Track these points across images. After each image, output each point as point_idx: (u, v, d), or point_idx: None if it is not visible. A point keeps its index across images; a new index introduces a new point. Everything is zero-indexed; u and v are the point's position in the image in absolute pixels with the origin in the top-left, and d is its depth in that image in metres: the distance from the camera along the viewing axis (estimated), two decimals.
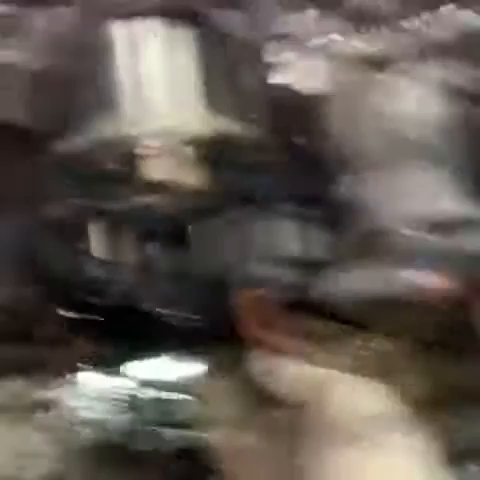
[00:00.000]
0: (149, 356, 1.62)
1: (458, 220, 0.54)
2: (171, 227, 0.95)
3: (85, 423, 1.57)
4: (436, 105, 0.55)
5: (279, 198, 0.95)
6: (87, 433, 1.55)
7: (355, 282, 0.54)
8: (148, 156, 0.50)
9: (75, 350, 1.58)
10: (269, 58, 0.55)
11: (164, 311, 1.56)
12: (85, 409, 1.58)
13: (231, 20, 0.52)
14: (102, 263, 0.95)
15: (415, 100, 0.56)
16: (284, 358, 0.77)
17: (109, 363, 1.60)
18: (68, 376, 1.58)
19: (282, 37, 0.56)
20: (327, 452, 0.66)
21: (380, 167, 0.55)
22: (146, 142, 0.49)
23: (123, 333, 1.58)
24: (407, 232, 0.53)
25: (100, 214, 0.82)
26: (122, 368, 1.62)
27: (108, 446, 1.43)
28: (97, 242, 0.85)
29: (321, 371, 0.73)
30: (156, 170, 0.49)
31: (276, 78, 0.55)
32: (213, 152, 0.54)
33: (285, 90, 0.59)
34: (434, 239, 0.54)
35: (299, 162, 0.88)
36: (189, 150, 0.51)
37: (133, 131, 0.46)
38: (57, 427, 1.54)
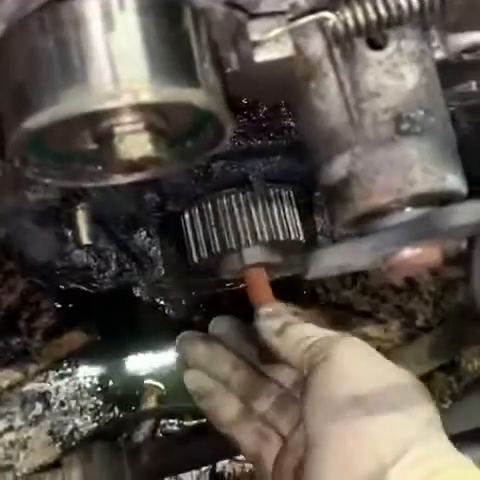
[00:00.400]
0: (145, 346, 1.61)
1: (443, 193, 0.52)
2: (161, 211, 0.93)
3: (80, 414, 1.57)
4: (420, 76, 0.53)
5: (273, 182, 0.93)
6: (82, 424, 1.55)
7: (338, 258, 0.52)
8: (124, 132, 0.47)
9: (68, 341, 1.57)
10: (255, 36, 0.52)
11: (158, 299, 1.55)
12: (79, 400, 1.58)
13: None
14: (90, 249, 0.93)
15: (404, 74, 0.54)
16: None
17: (103, 354, 1.59)
18: (61, 367, 1.57)
19: (269, 14, 0.53)
20: (333, 419, 0.63)
21: (371, 142, 0.53)
22: (121, 117, 0.46)
23: (117, 322, 1.57)
24: (395, 205, 0.51)
25: (82, 197, 0.79)
26: (117, 359, 1.61)
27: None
28: (83, 227, 0.82)
29: (328, 331, 0.71)
30: (133, 147, 0.46)
31: (263, 55, 0.52)
32: (193, 127, 0.51)
33: (273, 67, 0.56)
34: (418, 212, 0.52)
35: (291, 143, 0.86)
36: (167, 125, 0.48)
37: (107, 105, 0.42)
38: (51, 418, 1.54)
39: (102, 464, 1.10)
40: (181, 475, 1.42)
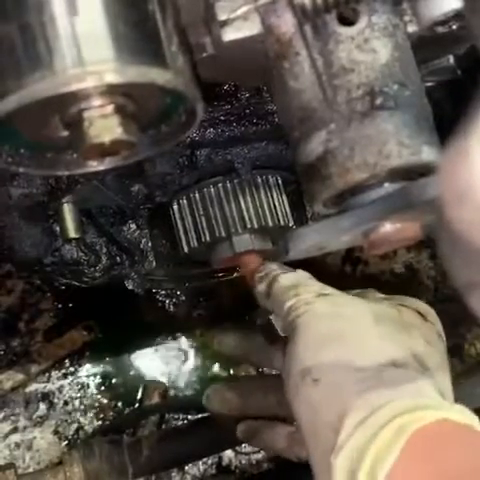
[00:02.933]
0: (147, 342, 1.61)
1: (419, 166, 0.52)
2: (150, 203, 0.93)
3: (84, 412, 1.57)
4: (393, 51, 0.53)
5: (260, 168, 0.93)
6: (86, 423, 1.55)
7: (318, 236, 0.52)
8: (93, 116, 0.46)
9: (69, 340, 1.57)
10: (223, 16, 0.52)
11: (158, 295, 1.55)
12: (83, 398, 1.58)
13: None
14: (80, 244, 0.93)
15: (377, 49, 0.53)
16: None
17: (105, 351, 1.59)
18: (64, 367, 1.58)
19: None
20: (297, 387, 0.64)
21: (346, 118, 0.52)
22: (90, 101, 0.46)
23: (118, 320, 1.57)
24: (373, 181, 0.51)
25: (68, 191, 0.79)
26: (119, 356, 1.61)
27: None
28: (70, 221, 0.82)
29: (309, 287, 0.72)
30: (103, 131, 0.46)
31: (231, 34, 0.51)
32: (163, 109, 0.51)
33: (246, 48, 0.56)
34: (395, 186, 0.52)
35: (276, 128, 0.86)
36: (137, 108, 0.48)
37: (72, 87, 0.42)
38: (56, 418, 1.54)
39: (103, 459, 1.10)
40: (187, 469, 1.43)
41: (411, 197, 0.52)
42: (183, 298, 1.70)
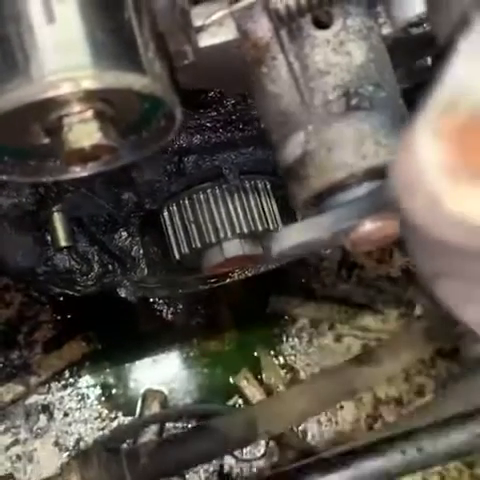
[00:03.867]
0: (146, 352, 1.62)
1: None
2: (140, 211, 0.94)
3: (84, 423, 1.57)
4: (368, 53, 0.54)
5: (248, 173, 0.94)
6: (87, 433, 1.55)
7: (300, 235, 0.53)
8: (73, 122, 0.48)
9: (68, 352, 1.58)
10: (198, 22, 0.53)
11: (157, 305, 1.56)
12: (83, 409, 1.58)
13: None
14: (72, 252, 0.94)
15: (351, 51, 0.54)
16: None
17: (104, 362, 1.59)
18: (63, 378, 1.58)
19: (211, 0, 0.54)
20: None
21: (323, 120, 0.53)
22: (69, 108, 0.47)
23: (116, 330, 1.58)
24: (351, 180, 0.52)
25: (57, 200, 0.80)
26: (118, 366, 1.61)
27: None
28: (60, 230, 0.83)
29: None
30: (82, 136, 0.47)
31: (207, 40, 0.52)
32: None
33: (225, 54, 0.57)
34: (374, 185, 0.53)
35: (262, 133, 0.87)
36: (116, 113, 0.49)
37: (49, 94, 0.43)
38: (56, 430, 1.54)
39: (101, 468, 1.11)
40: (188, 477, 1.43)
41: (390, 195, 0.53)
42: (180, 307, 1.71)
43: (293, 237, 0.58)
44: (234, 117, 0.87)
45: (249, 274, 1.10)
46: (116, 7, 0.50)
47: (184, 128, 0.85)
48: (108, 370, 1.61)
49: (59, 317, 1.65)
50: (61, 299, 1.65)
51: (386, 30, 0.60)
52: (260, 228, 0.93)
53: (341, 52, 0.58)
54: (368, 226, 0.57)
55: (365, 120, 0.56)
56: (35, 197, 0.78)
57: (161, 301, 1.71)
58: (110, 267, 0.96)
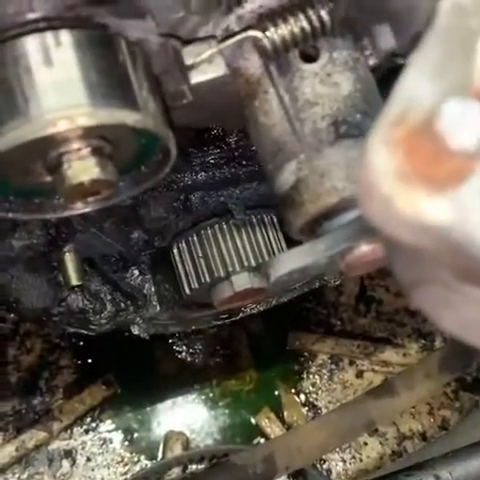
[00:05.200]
0: (166, 394, 1.62)
1: None
2: (150, 248, 0.96)
3: (107, 468, 1.57)
4: (355, 83, 0.56)
5: (254, 208, 0.96)
6: (110, 478, 1.55)
7: (296, 260, 0.54)
8: (72, 159, 0.50)
9: (89, 396, 1.59)
10: (189, 60, 0.56)
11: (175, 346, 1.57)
12: (106, 454, 1.58)
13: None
14: (85, 292, 0.96)
15: (339, 82, 0.57)
16: None
17: (125, 406, 1.60)
18: (85, 423, 1.59)
19: (201, 39, 0.57)
20: None
21: (314, 148, 0.56)
22: (68, 145, 0.50)
23: (136, 373, 1.59)
24: (344, 205, 0.54)
25: (68, 240, 0.83)
26: (139, 409, 1.62)
27: None
28: (71, 269, 0.85)
29: None
30: (81, 171, 0.50)
31: (198, 77, 0.55)
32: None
33: (220, 91, 0.60)
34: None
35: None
36: (114, 149, 0.52)
37: (47, 132, 0.46)
38: (79, 475, 1.55)
39: None
40: None
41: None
42: (199, 347, 1.72)
43: (289, 263, 0.59)
44: (237, 153, 0.89)
45: (261, 308, 1.11)
46: (111, 51, 0.53)
47: (189, 166, 0.88)
48: (129, 413, 1.62)
49: (79, 362, 1.67)
50: (81, 344, 1.67)
51: (372, 61, 0.63)
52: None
53: (329, 83, 0.60)
54: (363, 248, 0.59)
55: (354, 146, 0.58)
56: (46, 238, 0.81)
57: (180, 342, 1.73)
58: (123, 305, 0.98)
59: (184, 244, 0.96)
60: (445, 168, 0.26)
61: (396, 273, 0.38)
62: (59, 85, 0.49)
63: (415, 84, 0.28)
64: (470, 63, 0.29)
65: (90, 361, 1.66)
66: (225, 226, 0.94)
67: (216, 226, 0.94)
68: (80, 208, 0.58)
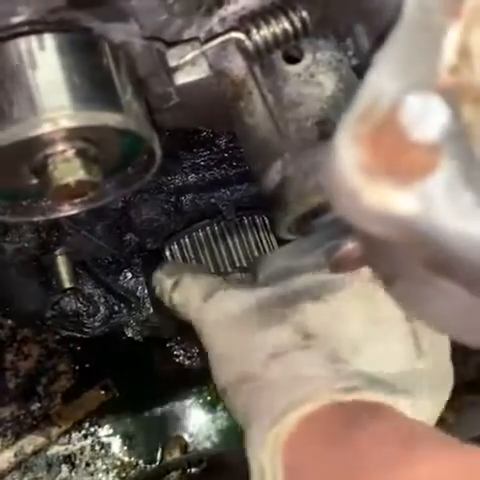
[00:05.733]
0: (164, 398, 1.63)
1: None
2: (142, 251, 0.96)
3: (106, 472, 1.57)
4: (338, 83, 0.57)
5: (246, 209, 0.96)
6: None
7: (283, 260, 0.55)
8: (57, 161, 0.51)
9: (87, 401, 1.59)
10: (173, 62, 0.57)
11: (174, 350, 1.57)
12: (104, 458, 1.58)
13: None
14: (78, 295, 0.96)
15: (322, 82, 0.58)
16: None
17: (123, 410, 1.60)
18: (84, 428, 1.59)
19: (184, 42, 0.58)
20: None
21: (298, 148, 0.56)
22: (53, 147, 0.51)
23: (134, 378, 1.59)
24: (329, 203, 0.54)
25: (60, 243, 0.83)
26: (137, 414, 1.62)
27: None
28: (64, 272, 0.86)
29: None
30: (66, 173, 0.50)
31: (182, 78, 0.56)
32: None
33: (206, 93, 0.60)
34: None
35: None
36: (99, 151, 0.53)
37: (30, 134, 0.47)
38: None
39: None
40: None
41: None
42: (197, 351, 1.72)
43: (276, 261, 0.60)
44: (227, 155, 0.90)
45: None
46: (94, 54, 0.54)
47: (179, 168, 0.89)
48: (127, 418, 1.62)
49: (77, 367, 1.66)
50: (78, 349, 1.67)
51: (355, 61, 0.63)
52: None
53: (312, 84, 0.61)
54: (349, 246, 0.60)
55: None
56: (37, 241, 0.82)
57: (177, 346, 1.73)
58: (116, 308, 0.98)
59: (176, 246, 0.97)
60: (409, 160, 0.27)
61: (373, 268, 0.39)
62: (43, 88, 0.50)
63: (381, 80, 0.29)
64: (435, 59, 0.29)
65: (88, 366, 1.66)
66: (217, 228, 0.95)
67: (208, 228, 0.95)
68: (67, 210, 0.58)
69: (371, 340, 0.65)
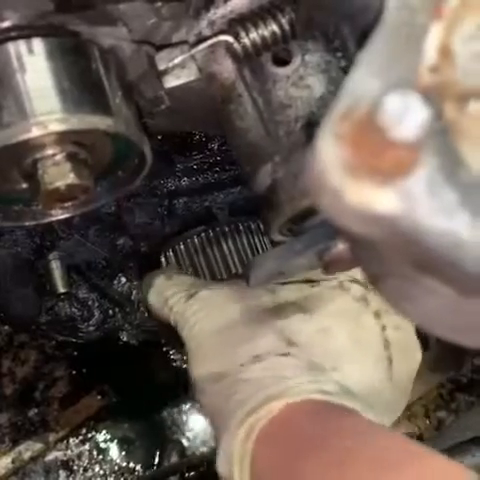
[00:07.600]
0: (162, 402, 1.62)
1: None
2: (137, 255, 0.96)
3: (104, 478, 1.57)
4: (327, 85, 0.57)
5: (240, 213, 0.96)
6: None
7: (275, 262, 0.55)
8: (47, 165, 0.51)
9: (85, 406, 1.59)
10: (162, 65, 0.57)
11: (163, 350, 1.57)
12: (103, 464, 1.58)
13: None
14: (72, 300, 0.96)
15: (311, 84, 0.58)
16: None
17: (121, 415, 1.60)
18: (81, 433, 1.59)
19: (173, 45, 0.58)
20: None
21: (288, 150, 0.56)
22: (43, 151, 0.51)
23: (131, 382, 1.59)
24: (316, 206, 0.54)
25: (53, 247, 0.83)
26: (135, 418, 1.62)
27: None
28: (58, 276, 0.86)
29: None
30: (56, 177, 0.50)
31: (171, 81, 0.56)
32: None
33: (197, 96, 0.61)
34: None
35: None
36: (89, 155, 0.53)
37: (20, 138, 0.47)
38: None
39: None
40: None
41: None
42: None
43: (268, 263, 0.60)
44: (219, 158, 0.90)
45: None
46: (83, 58, 0.54)
47: (172, 172, 0.89)
48: (125, 423, 1.62)
49: (74, 372, 1.66)
50: (75, 354, 1.67)
51: (344, 63, 0.63)
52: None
53: (301, 86, 0.61)
54: (340, 247, 0.60)
55: None
56: (31, 246, 0.82)
57: (174, 350, 1.72)
58: (110, 312, 0.98)
59: (171, 253, 0.96)
60: (390, 159, 0.27)
61: (362, 266, 0.39)
62: (32, 92, 0.50)
63: (363, 79, 0.29)
64: (416, 59, 0.29)
65: (85, 371, 1.65)
66: (212, 234, 0.95)
67: (203, 234, 0.95)
68: (59, 214, 0.59)
69: (350, 360, 0.71)
